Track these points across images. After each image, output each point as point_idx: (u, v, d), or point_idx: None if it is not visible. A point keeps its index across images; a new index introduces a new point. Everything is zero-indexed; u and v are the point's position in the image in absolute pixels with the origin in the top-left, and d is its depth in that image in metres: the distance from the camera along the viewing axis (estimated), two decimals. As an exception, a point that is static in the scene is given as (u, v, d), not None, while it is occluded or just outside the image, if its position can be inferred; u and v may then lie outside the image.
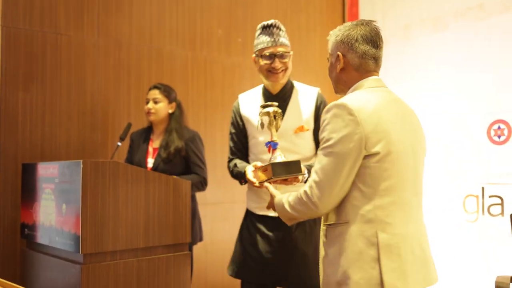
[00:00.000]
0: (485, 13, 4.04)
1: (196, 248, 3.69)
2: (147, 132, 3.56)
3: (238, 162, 2.75)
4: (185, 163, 3.45)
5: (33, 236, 2.87)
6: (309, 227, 2.70)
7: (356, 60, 1.97)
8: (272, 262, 2.67)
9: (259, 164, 2.52)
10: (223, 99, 4.28)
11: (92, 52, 3.71)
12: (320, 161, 1.87)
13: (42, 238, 2.78)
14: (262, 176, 2.37)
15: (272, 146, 2.39)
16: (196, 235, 3.46)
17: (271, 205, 2.22)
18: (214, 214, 4.08)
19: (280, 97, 2.73)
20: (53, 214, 2.68)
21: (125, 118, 3.81)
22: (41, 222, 2.79)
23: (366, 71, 1.99)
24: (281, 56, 2.66)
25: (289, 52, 2.69)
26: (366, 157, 1.83)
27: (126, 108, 3.84)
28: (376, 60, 2.00)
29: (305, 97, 2.76)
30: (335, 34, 2.04)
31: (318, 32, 4.87)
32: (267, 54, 2.66)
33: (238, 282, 2.87)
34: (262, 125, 2.42)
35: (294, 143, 2.70)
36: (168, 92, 3.51)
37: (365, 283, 1.79)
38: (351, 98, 1.89)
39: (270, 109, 2.40)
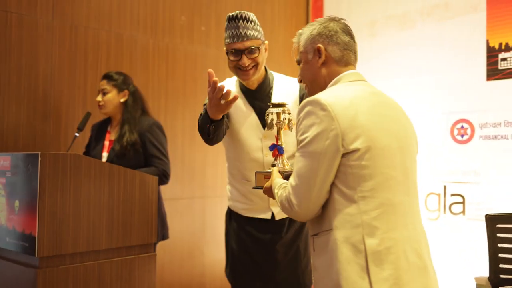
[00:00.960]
0: (451, 12, 4.03)
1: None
2: (106, 124, 3.32)
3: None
4: (142, 156, 3.19)
5: (-20, 235, 2.60)
6: (299, 223, 2.58)
7: (338, 52, 1.87)
8: (267, 266, 2.55)
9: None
10: (184, 88, 4.08)
11: (45, 33, 3.43)
12: (297, 163, 1.75)
13: (-10, 237, 2.52)
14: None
15: (278, 151, 2.15)
16: (157, 232, 3.26)
17: (267, 190, 2.02)
18: (172, 210, 3.88)
19: (261, 91, 2.54)
20: (4, 212, 2.44)
21: (80, 106, 3.55)
22: (-10, 219, 2.53)
23: (347, 63, 1.89)
24: (250, 51, 2.40)
25: (258, 46, 2.42)
26: (344, 155, 1.67)
27: (81, 96, 3.58)
28: (355, 53, 1.92)
29: (287, 89, 2.56)
30: (309, 30, 1.91)
31: (282, 25, 4.75)
32: (233, 50, 2.41)
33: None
34: (270, 125, 2.15)
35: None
36: (116, 81, 3.22)
37: None
38: (325, 93, 1.76)
39: (279, 109, 2.15)
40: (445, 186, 3.93)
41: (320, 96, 1.73)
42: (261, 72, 2.51)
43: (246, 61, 2.40)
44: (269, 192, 1.99)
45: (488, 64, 3.80)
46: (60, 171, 2.28)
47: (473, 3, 3.89)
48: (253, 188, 2.20)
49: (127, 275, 2.51)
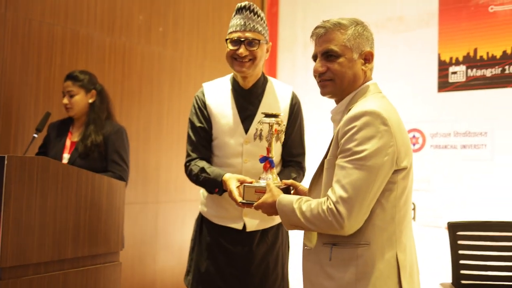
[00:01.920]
0: (404, 26, 4.16)
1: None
2: (66, 124, 3.15)
3: (206, 165, 2.39)
4: (105, 159, 3.08)
5: None
6: (272, 237, 2.52)
7: (371, 60, 1.86)
8: (233, 278, 2.46)
9: (248, 180, 2.17)
10: (140, 90, 3.96)
11: (-3, 27, 3.22)
12: (349, 175, 1.65)
13: None
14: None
15: (270, 164, 2.08)
16: None
17: (266, 205, 1.90)
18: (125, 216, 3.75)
19: (252, 93, 2.47)
20: (-41, 218, 2.25)
21: (32, 105, 3.36)
22: None
23: (371, 73, 1.89)
24: (249, 43, 2.34)
25: (259, 40, 2.36)
26: (394, 172, 1.69)
27: (33, 94, 3.38)
28: None
29: (279, 95, 2.50)
30: (352, 26, 1.80)
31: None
32: (234, 38, 2.36)
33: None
34: (259, 136, 2.09)
35: (264, 147, 2.38)
36: (82, 81, 3.10)
37: None
38: (377, 105, 1.71)
39: (273, 120, 2.08)
40: (396, 194, 4.05)
41: (377, 108, 1.69)
42: (257, 71, 2.45)
43: (243, 51, 2.35)
44: (269, 209, 1.90)
45: (439, 77, 3.95)
46: (27, 176, 2.13)
47: (425, 18, 4.04)
48: (240, 202, 2.10)
49: (93, 285, 2.39)
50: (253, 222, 2.46)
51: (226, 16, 4.60)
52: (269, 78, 2.57)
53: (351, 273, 1.70)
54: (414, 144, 4.03)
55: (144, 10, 3.99)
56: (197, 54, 4.37)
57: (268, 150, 2.10)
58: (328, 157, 1.78)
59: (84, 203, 2.36)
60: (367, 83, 1.84)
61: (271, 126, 2.09)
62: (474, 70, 3.84)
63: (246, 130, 2.44)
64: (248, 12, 2.35)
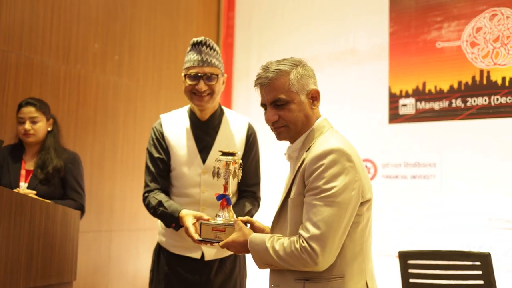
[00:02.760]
0: (356, 59, 4.30)
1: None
2: (17, 151, 3.08)
3: (164, 199, 2.40)
4: (63, 186, 3.05)
5: None
6: (230, 265, 2.53)
7: (318, 98, 1.91)
8: None
9: (205, 217, 2.18)
10: (95, 118, 3.93)
11: None
12: (320, 212, 1.68)
13: None
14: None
15: (227, 201, 2.09)
16: None
17: (236, 244, 1.90)
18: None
19: (209, 125, 2.53)
20: None
21: (-17, 132, 3.29)
22: None
23: (318, 108, 1.94)
24: (208, 78, 2.41)
25: (217, 75, 2.44)
26: (360, 204, 1.76)
27: (-15, 121, 3.32)
28: None
29: (235, 126, 2.57)
30: (298, 69, 1.85)
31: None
32: (192, 74, 2.41)
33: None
34: (217, 174, 2.09)
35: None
36: (45, 109, 3.09)
37: None
38: (338, 142, 1.78)
39: (230, 158, 2.09)
40: (349, 222, 4.11)
41: (340, 145, 1.74)
42: (215, 103, 2.52)
43: (203, 86, 2.40)
44: (239, 247, 1.89)
45: (390, 109, 4.09)
46: (-21, 204, 2.08)
47: (377, 51, 4.19)
48: (196, 240, 2.12)
49: (45, 317, 2.33)
50: (211, 251, 2.47)
51: (182, 44, 4.64)
52: (225, 110, 2.63)
53: None
54: (366, 174, 4.13)
55: (99, 38, 3.99)
56: (152, 83, 4.39)
57: (225, 187, 2.11)
58: (292, 196, 1.81)
59: (37, 232, 2.31)
60: (319, 120, 1.89)
61: (228, 164, 2.10)
62: (423, 102, 3.98)
63: (204, 161, 2.49)
64: (204, 47, 2.42)
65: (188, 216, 2.25)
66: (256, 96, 1.92)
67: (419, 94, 3.99)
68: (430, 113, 3.95)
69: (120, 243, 4.06)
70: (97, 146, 3.93)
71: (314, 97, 1.88)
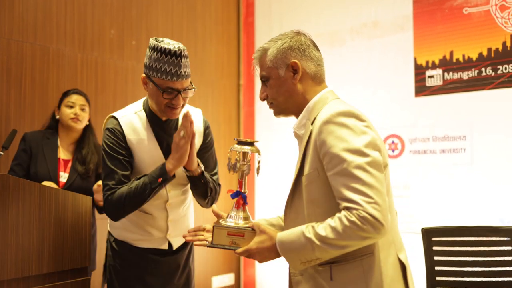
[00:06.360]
0: (379, 31, 4.15)
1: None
2: (52, 139, 3.07)
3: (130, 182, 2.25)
4: (96, 180, 3.08)
5: None
6: (189, 246, 2.55)
7: (313, 68, 1.80)
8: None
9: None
10: (114, 104, 3.93)
11: (-36, 45, 3.20)
12: (357, 179, 1.53)
13: None
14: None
15: (243, 199, 1.82)
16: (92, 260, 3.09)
17: (261, 250, 1.70)
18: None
19: (169, 123, 2.38)
20: None
21: (3, 123, 3.32)
22: None
23: (321, 80, 1.83)
24: (185, 91, 2.24)
25: (192, 87, 2.27)
26: None
27: (4, 112, 3.35)
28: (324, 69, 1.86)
29: (193, 120, 2.39)
30: (277, 44, 1.79)
31: (214, 41, 4.70)
32: (170, 89, 2.20)
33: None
34: (233, 167, 1.84)
35: (184, 174, 2.34)
36: (89, 102, 3.19)
37: None
38: (345, 106, 1.67)
39: (247, 148, 1.83)
40: (377, 200, 4.00)
41: (347, 108, 1.65)
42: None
43: (180, 101, 2.23)
44: (266, 253, 1.70)
45: (416, 81, 3.93)
46: (-15, 193, 2.10)
47: (400, 22, 4.03)
48: (208, 246, 1.89)
49: (60, 303, 2.34)
50: (178, 240, 2.47)
51: (200, 27, 4.59)
52: None
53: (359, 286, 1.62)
54: (393, 150, 4.00)
55: (115, 24, 3.97)
56: (173, 67, 4.35)
57: (241, 184, 1.85)
58: (307, 172, 1.68)
59: (48, 219, 2.31)
60: (323, 92, 1.80)
61: (244, 155, 1.85)
62: (451, 73, 3.82)
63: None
64: (180, 59, 2.18)
65: None
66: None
67: (446, 64, 3.83)
68: (459, 84, 3.78)
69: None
70: (118, 132, 3.93)
71: (295, 69, 1.78)
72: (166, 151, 2.34)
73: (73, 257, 2.41)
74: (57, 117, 3.11)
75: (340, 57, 4.33)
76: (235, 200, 1.85)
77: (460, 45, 3.79)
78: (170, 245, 2.46)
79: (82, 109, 3.10)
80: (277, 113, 1.84)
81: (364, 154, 1.56)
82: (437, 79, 3.86)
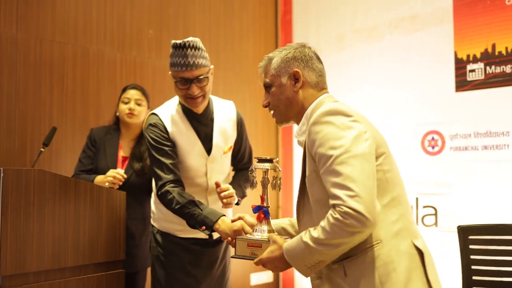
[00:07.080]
0: (418, 25, 4.07)
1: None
2: (114, 135, 3.13)
3: (196, 201, 2.35)
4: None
5: None
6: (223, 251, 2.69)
7: (314, 78, 1.87)
8: (204, 281, 2.61)
9: (246, 227, 2.07)
10: (153, 102, 3.99)
11: (9, 47, 3.33)
12: (340, 173, 1.54)
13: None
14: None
15: (265, 214, 1.92)
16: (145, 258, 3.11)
17: (271, 259, 1.75)
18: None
19: (206, 117, 2.55)
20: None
21: (47, 121, 3.45)
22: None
23: (322, 88, 1.90)
24: (199, 80, 2.38)
25: (207, 75, 2.40)
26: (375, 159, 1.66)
27: (47, 111, 3.48)
28: (326, 80, 1.94)
29: (226, 113, 2.61)
30: (281, 53, 1.88)
31: (251, 38, 4.72)
32: (182, 79, 2.38)
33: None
34: (254, 183, 1.95)
35: (223, 163, 2.61)
36: (147, 96, 3.20)
37: None
38: (332, 104, 1.73)
39: (267, 166, 1.92)
40: (417, 198, 3.93)
41: (333, 105, 1.69)
42: (208, 98, 2.54)
43: (195, 90, 2.38)
44: (276, 262, 1.74)
45: (457, 76, 3.83)
46: (24, 187, 2.19)
47: (440, 15, 3.94)
48: (232, 257, 2.01)
49: (95, 294, 2.42)
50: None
51: (238, 25, 4.63)
52: (213, 99, 2.64)
53: (373, 279, 1.61)
54: (433, 147, 3.91)
55: (153, 24, 4.05)
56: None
57: (262, 199, 1.94)
58: (308, 174, 1.73)
59: (83, 213, 2.40)
60: (321, 97, 1.86)
61: (265, 172, 1.94)
62: (493, 66, 3.70)
63: (207, 151, 2.54)
64: (189, 49, 2.34)
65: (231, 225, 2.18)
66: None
67: (489, 58, 3.71)
68: (501, 78, 3.66)
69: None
70: (157, 130, 4.01)
71: (296, 78, 1.86)
72: (204, 140, 2.53)
73: (108, 250, 2.48)
74: (117, 114, 3.16)
75: (378, 52, 4.27)
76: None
77: (503, 37, 3.67)
78: (210, 235, 2.50)
79: (138, 104, 3.11)
80: (279, 121, 1.92)
81: (347, 149, 1.57)
82: (479, 73, 3.76)
